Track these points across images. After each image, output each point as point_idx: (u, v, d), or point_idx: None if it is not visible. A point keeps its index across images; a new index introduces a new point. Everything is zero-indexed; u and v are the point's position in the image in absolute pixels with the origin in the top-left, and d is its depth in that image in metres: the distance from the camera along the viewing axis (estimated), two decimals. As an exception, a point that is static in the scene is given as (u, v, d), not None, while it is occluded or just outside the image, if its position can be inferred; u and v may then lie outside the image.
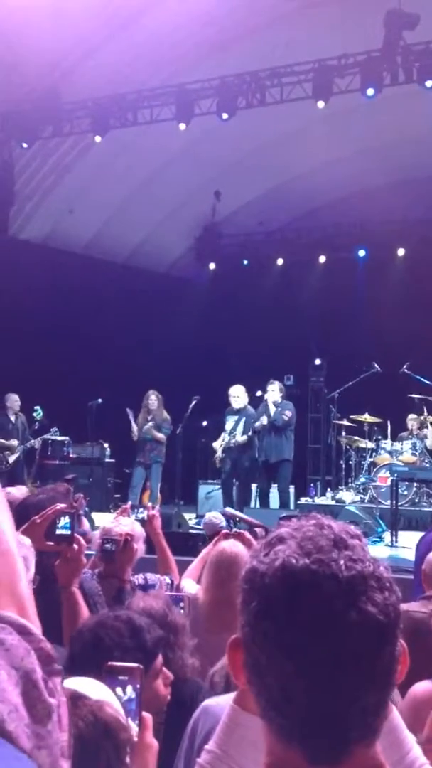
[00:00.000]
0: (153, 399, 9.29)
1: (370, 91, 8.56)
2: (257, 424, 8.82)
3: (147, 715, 1.12)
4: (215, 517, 5.30)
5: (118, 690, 1.11)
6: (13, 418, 9.50)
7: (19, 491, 3.12)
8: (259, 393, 9.41)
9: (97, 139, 10.04)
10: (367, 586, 0.83)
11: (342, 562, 0.83)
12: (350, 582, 0.82)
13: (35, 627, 0.85)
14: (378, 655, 0.82)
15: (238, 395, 9.05)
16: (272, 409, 8.84)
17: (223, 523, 5.06)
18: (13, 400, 9.52)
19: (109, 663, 1.13)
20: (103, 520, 8.47)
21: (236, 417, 9.02)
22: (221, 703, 1.54)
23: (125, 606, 2.29)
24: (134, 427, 9.28)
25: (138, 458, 9.41)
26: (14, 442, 9.37)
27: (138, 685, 1.11)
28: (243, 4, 9.63)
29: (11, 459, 9.35)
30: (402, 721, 1.11)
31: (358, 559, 0.85)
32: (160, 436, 9.25)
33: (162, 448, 9.36)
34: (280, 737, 0.84)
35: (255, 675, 0.85)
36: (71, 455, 10.19)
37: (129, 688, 1.11)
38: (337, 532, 0.87)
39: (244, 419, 8.95)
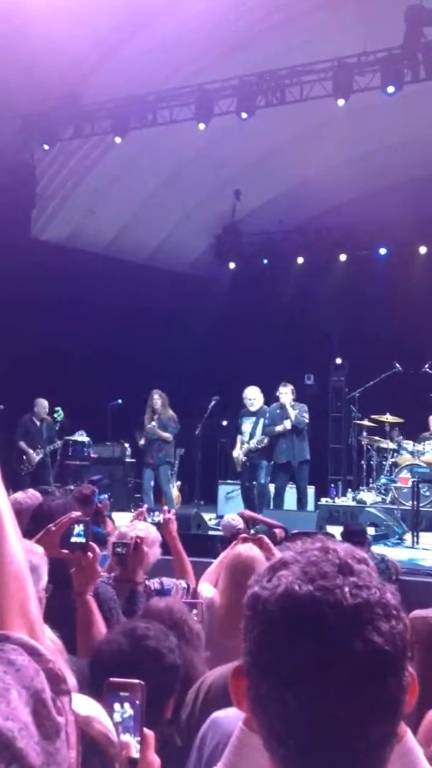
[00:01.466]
0: (156, 398, 9.23)
1: (391, 89, 8.49)
2: (279, 428, 8.76)
3: (149, 732, 1.11)
4: (233, 519, 5.30)
5: (117, 706, 1.11)
6: (38, 423, 9.56)
7: (30, 497, 3.13)
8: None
9: (117, 140, 10.09)
10: (373, 615, 0.79)
11: (347, 589, 0.80)
12: (355, 610, 0.79)
13: (44, 648, 0.86)
14: (384, 686, 0.79)
15: (254, 397, 9.00)
16: (292, 412, 8.79)
17: (241, 525, 5.06)
18: (42, 406, 9.57)
19: (110, 679, 1.12)
20: (124, 519, 8.55)
21: (253, 419, 8.98)
22: (230, 715, 1.53)
23: (142, 611, 2.29)
24: (150, 425, 9.26)
25: (147, 459, 9.41)
26: (31, 452, 9.39)
27: (138, 701, 1.11)
28: (262, 3, 9.61)
29: (32, 461, 9.41)
30: (416, 744, 1.08)
31: (364, 585, 0.81)
32: (166, 435, 9.21)
33: (170, 448, 9.32)
34: None
35: (257, 704, 0.83)
36: (92, 455, 10.27)
37: (129, 705, 1.11)
38: (342, 556, 0.84)
39: (262, 420, 8.92)
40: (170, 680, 1.81)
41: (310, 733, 0.78)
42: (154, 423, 9.17)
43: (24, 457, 9.37)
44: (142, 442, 9.39)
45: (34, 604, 0.99)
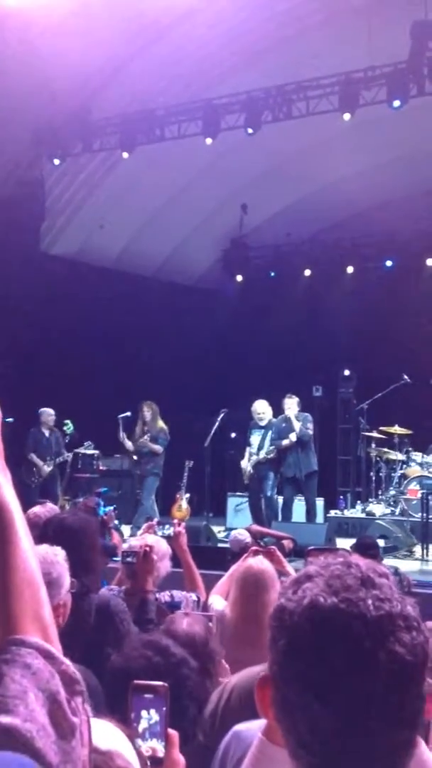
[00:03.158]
0: (146, 411, 9.21)
1: (397, 103, 8.55)
2: (285, 442, 8.76)
3: (173, 732, 1.14)
4: (240, 533, 5.31)
5: (143, 711, 1.13)
6: (47, 433, 9.53)
7: (49, 511, 3.16)
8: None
9: (125, 155, 10.18)
10: (395, 626, 0.83)
11: (370, 601, 0.83)
12: (378, 622, 0.82)
13: (58, 651, 0.90)
14: (406, 694, 0.83)
15: (263, 411, 9.01)
16: (297, 425, 8.79)
17: (249, 540, 5.07)
18: (48, 415, 9.53)
19: (135, 681, 1.15)
20: (130, 532, 8.55)
21: (262, 432, 8.99)
22: (252, 728, 1.54)
23: (163, 629, 2.29)
24: (122, 434, 9.19)
25: (135, 471, 9.39)
26: (41, 463, 9.39)
27: (164, 704, 1.13)
28: (269, 19, 9.71)
29: (43, 473, 9.41)
30: (429, 753, 1.10)
31: (386, 598, 0.85)
32: (156, 447, 9.16)
33: (159, 461, 9.25)
34: None
35: (283, 713, 0.86)
36: (101, 468, 10.28)
37: (153, 707, 1.13)
38: (364, 570, 0.87)
39: (270, 433, 8.92)
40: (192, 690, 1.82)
41: (337, 740, 0.81)
42: (146, 437, 9.13)
43: (34, 469, 9.36)
44: (135, 457, 9.35)
45: (47, 610, 1.02)
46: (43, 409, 9.51)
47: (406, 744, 0.84)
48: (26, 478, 9.25)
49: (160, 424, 9.21)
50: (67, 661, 0.88)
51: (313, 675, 0.82)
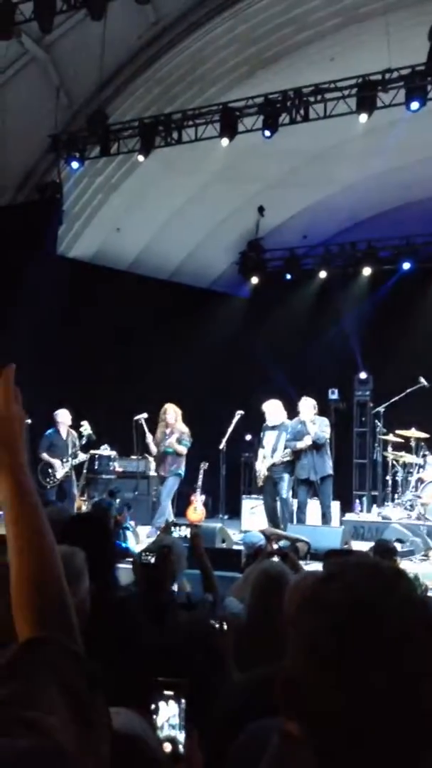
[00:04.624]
0: (170, 413, 9.27)
1: (415, 105, 8.53)
2: (300, 444, 8.74)
3: (193, 729, 1.15)
4: (254, 536, 5.31)
5: (163, 705, 1.15)
6: (64, 434, 9.56)
7: (57, 511, 3.18)
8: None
9: (141, 158, 10.23)
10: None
11: (402, 592, 0.86)
12: (413, 610, 0.84)
13: (80, 649, 0.92)
14: None
15: (270, 412, 9.00)
16: (312, 428, 8.77)
17: (263, 542, 5.07)
18: (64, 415, 9.58)
19: (158, 678, 1.16)
20: (147, 533, 8.59)
21: (276, 432, 8.98)
22: (269, 726, 1.55)
23: (173, 626, 2.31)
24: (149, 438, 9.29)
25: (159, 471, 9.43)
26: (57, 463, 9.42)
27: (184, 701, 1.15)
28: (287, 22, 9.72)
29: (59, 474, 9.43)
30: None
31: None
32: (181, 448, 9.22)
33: (182, 461, 9.31)
34: None
35: (307, 707, 0.85)
36: (117, 469, 10.33)
37: (174, 703, 1.15)
38: (387, 566, 0.90)
39: (283, 434, 8.91)
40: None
41: (364, 732, 0.81)
42: (174, 437, 9.19)
43: (50, 470, 9.37)
44: (154, 452, 9.40)
45: (72, 611, 1.05)
46: (59, 411, 9.53)
47: None
48: (42, 479, 9.25)
49: (183, 426, 9.26)
50: (88, 659, 0.91)
51: (346, 666, 0.81)
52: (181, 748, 1.12)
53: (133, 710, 1.17)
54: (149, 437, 9.31)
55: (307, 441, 8.70)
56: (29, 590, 1.05)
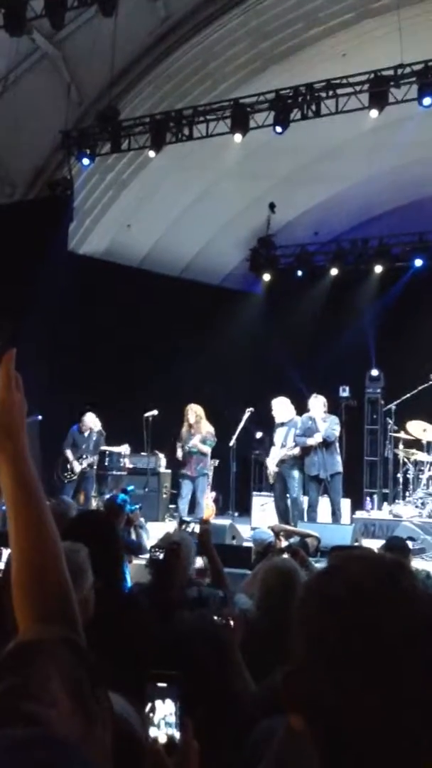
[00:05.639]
0: (193, 412, 9.33)
1: (427, 101, 8.47)
2: (311, 441, 8.72)
3: (188, 720, 1.15)
4: (264, 533, 5.30)
5: (159, 701, 1.15)
6: (86, 433, 9.75)
7: (59, 505, 3.18)
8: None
9: (151, 154, 10.21)
10: None
11: (407, 582, 0.85)
12: (421, 603, 0.83)
13: (82, 640, 0.92)
14: None
15: (279, 409, 9.00)
16: (322, 426, 8.74)
17: (272, 539, 5.06)
18: (91, 418, 9.75)
19: (151, 670, 1.16)
20: (158, 529, 8.59)
21: (285, 429, 8.97)
22: (281, 722, 1.54)
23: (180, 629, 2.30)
24: (178, 445, 9.41)
25: (185, 471, 9.47)
26: (75, 462, 9.62)
27: (179, 692, 1.14)
28: (299, 17, 9.68)
29: (76, 470, 9.62)
30: None
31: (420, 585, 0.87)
32: (205, 448, 9.31)
33: (207, 460, 9.41)
34: None
35: (314, 701, 0.83)
36: (128, 466, 10.35)
37: (171, 701, 1.15)
38: (389, 558, 0.89)
39: (292, 430, 8.89)
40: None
41: (368, 726, 0.79)
42: (198, 437, 9.23)
43: (68, 465, 9.62)
44: (179, 453, 9.44)
45: (75, 604, 1.04)
46: (87, 413, 9.72)
47: None
48: (60, 474, 9.52)
49: (207, 425, 9.32)
50: (91, 652, 0.90)
51: (355, 658, 0.80)
52: (176, 740, 1.12)
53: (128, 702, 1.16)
54: (178, 445, 9.39)
55: (317, 438, 8.68)
56: (29, 576, 1.03)
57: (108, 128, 10.16)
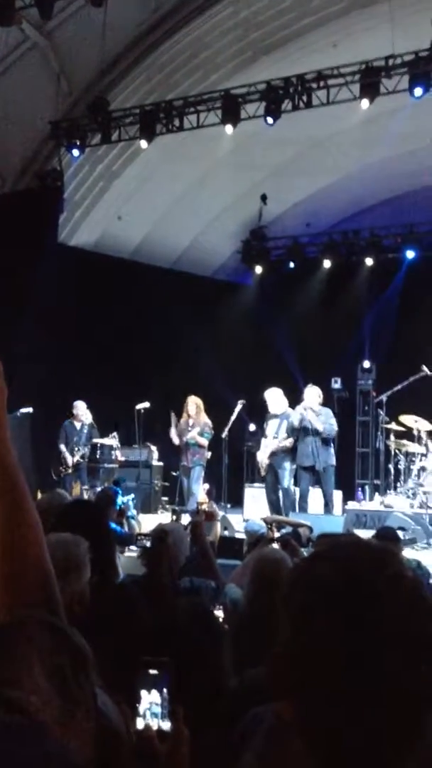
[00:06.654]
0: (191, 405, 9.34)
1: (418, 91, 8.45)
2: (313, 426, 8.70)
3: (177, 706, 1.15)
4: (256, 524, 5.32)
5: (150, 688, 1.14)
6: (78, 426, 9.75)
7: (55, 497, 3.18)
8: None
9: (143, 145, 10.16)
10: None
11: (393, 570, 0.85)
12: (413, 589, 0.84)
13: (65, 625, 0.91)
14: None
15: (272, 400, 9.00)
16: (316, 421, 8.72)
17: (264, 530, 5.07)
18: (81, 407, 9.74)
19: (142, 657, 1.16)
20: (149, 521, 8.61)
21: (278, 420, 8.97)
22: (270, 710, 1.55)
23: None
24: (173, 431, 9.35)
25: (183, 463, 9.48)
26: (68, 455, 9.65)
27: (170, 679, 1.14)
28: (290, 7, 9.63)
29: (70, 464, 9.66)
30: None
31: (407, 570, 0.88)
32: (203, 441, 9.33)
33: (204, 452, 9.44)
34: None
35: (303, 687, 0.83)
36: (120, 458, 10.35)
37: (157, 691, 1.15)
38: (375, 544, 0.90)
39: (285, 422, 8.90)
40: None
41: (359, 709, 0.79)
42: (196, 429, 9.22)
43: (62, 459, 9.67)
44: (176, 440, 9.42)
45: (56, 589, 1.04)
46: (76, 402, 9.74)
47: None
48: (57, 469, 9.57)
49: (205, 418, 9.33)
50: (74, 634, 0.89)
51: (346, 643, 0.80)
52: (167, 727, 1.12)
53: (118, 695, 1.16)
54: (172, 430, 9.30)
55: (317, 427, 8.67)
56: (9, 564, 1.03)
57: (98, 119, 10.09)
